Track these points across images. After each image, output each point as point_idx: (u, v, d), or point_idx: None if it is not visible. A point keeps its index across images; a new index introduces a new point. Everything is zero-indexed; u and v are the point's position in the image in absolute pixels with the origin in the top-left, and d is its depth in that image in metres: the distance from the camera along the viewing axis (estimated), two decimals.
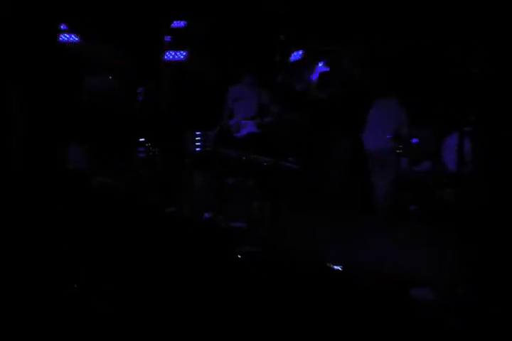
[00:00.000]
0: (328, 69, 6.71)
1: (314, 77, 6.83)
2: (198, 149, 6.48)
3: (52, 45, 6.59)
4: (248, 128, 6.28)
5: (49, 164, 7.61)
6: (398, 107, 6.78)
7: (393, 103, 6.85)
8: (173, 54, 6.61)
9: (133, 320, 4.55)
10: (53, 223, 5.54)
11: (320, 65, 6.71)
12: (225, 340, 3.83)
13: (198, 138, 6.50)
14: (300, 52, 6.66)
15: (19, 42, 6.61)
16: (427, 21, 7.17)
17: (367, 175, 6.33)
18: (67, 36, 6.26)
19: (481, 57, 6.65)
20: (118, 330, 4.41)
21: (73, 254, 5.36)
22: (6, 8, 8.58)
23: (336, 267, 4.50)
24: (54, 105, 6.81)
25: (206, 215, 5.85)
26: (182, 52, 6.57)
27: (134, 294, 4.82)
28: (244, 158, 6.10)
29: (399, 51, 7.65)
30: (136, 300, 4.84)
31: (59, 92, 6.79)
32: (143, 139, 6.58)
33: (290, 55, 6.57)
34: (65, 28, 6.28)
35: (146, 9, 6.59)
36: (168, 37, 6.62)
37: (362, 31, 7.89)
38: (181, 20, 6.49)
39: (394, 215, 6.11)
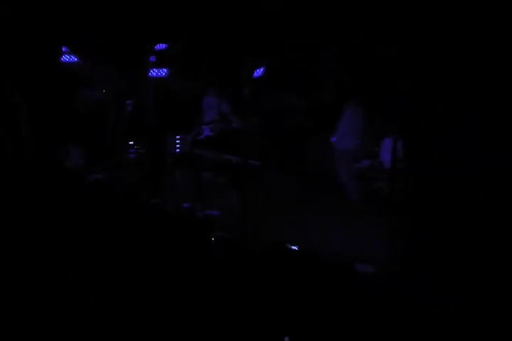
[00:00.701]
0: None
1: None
2: (177, 150, 7.63)
3: (54, 63, 7.59)
4: (205, 132, 7.36)
5: (49, 158, 8.00)
6: (361, 114, 7.51)
7: (358, 110, 7.57)
8: (156, 71, 7.74)
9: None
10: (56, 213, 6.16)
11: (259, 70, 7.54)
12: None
13: (178, 141, 7.64)
14: (262, 69, 7.61)
15: (28, 60, 7.52)
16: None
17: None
18: (69, 57, 7.59)
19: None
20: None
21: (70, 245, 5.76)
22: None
23: (293, 247, 5.24)
24: (54, 110, 7.76)
25: (185, 205, 6.68)
26: (163, 69, 7.70)
27: (126, 282, 5.07)
28: (215, 157, 7.12)
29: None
30: (128, 288, 4.92)
31: (59, 100, 7.71)
32: (132, 142, 7.76)
33: (254, 72, 7.60)
34: (67, 50, 7.71)
35: (134, 34, 7.72)
36: (152, 57, 7.82)
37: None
38: (163, 43, 7.79)
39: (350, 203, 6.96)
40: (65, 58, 7.67)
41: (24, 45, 8.99)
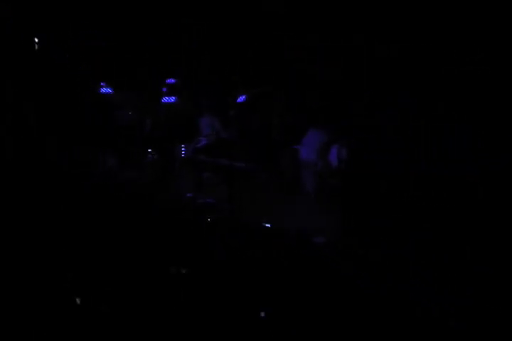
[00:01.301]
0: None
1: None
2: (183, 156, 10.37)
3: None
4: (202, 142, 10.06)
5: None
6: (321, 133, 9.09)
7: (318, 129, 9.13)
8: (167, 99, 10.73)
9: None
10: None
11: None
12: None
13: (183, 149, 10.41)
14: (244, 96, 10.11)
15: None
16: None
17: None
18: (105, 89, 10.40)
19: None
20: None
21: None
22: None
23: (267, 225, 7.27)
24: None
25: (189, 195, 9.31)
26: (172, 97, 10.66)
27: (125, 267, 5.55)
28: (211, 161, 9.82)
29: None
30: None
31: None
32: (150, 150, 10.84)
33: (238, 98, 10.17)
34: (104, 84, 10.38)
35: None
36: (164, 88, 10.66)
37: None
38: (173, 78, 10.61)
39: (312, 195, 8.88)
40: (104, 90, 10.40)
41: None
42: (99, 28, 9.33)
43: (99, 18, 9.16)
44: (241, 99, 10.19)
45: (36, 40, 9.13)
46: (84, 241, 6.22)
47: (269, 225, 7.38)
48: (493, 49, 6.63)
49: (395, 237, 6.65)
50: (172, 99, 10.63)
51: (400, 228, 6.78)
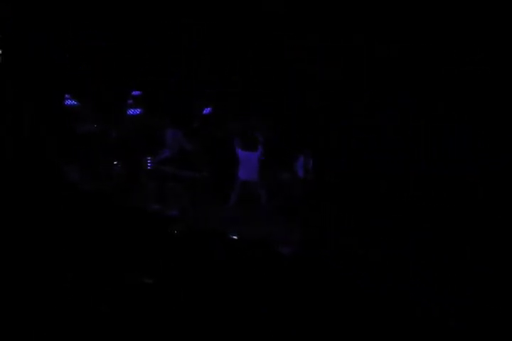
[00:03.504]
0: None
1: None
2: (148, 167, 10.44)
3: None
4: (166, 153, 10.30)
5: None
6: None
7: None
8: (132, 110, 10.79)
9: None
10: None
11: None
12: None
13: (149, 161, 10.45)
14: (209, 109, 10.48)
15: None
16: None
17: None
18: (71, 102, 10.34)
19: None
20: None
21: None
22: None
23: (233, 236, 7.14)
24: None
25: (154, 206, 9.32)
26: (137, 109, 10.72)
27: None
28: (175, 172, 10.07)
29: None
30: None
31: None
32: (115, 162, 10.62)
33: (203, 110, 10.52)
34: (69, 96, 10.28)
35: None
36: (130, 100, 10.72)
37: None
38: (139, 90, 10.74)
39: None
40: (68, 102, 10.30)
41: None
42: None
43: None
44: (206, 110, 10.45)
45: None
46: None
47: (235, 236, 7.43)
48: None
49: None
50: (137, 111, 10.73)
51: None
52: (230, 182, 9.52)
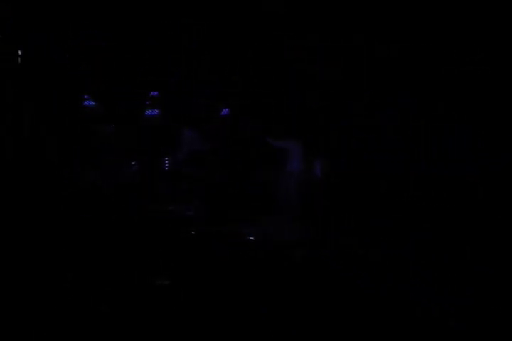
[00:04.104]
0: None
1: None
2: (166, 168, 10.48)
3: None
4: (184, 154, 10.28)
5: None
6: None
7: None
8: (150, 111, 10.68)
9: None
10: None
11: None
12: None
13: (166, 161, 10.54)
14: (226, 110, 10.29)
15: None
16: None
17: None
18: (88, 102, 10.35)
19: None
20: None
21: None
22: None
23: (250, 238, 7.48)
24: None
25: (170, 207, 9.18)
26: (155, 110, 10.58)
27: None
28: (191, 173, 10.01)
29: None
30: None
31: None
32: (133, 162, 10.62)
33: (220, 111, 10.30)
34: (87, 97, 10.31)
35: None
36: (148, 101, 10.62)
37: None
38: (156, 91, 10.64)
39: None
40: (87, 102, 10.34)
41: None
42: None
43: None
44: (224, 112, 10.38)
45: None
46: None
47: (252, 238, 7.58)
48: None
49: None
50: (155, 111, 10.71)
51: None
52: (244, 184, 9.52)
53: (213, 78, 9.76)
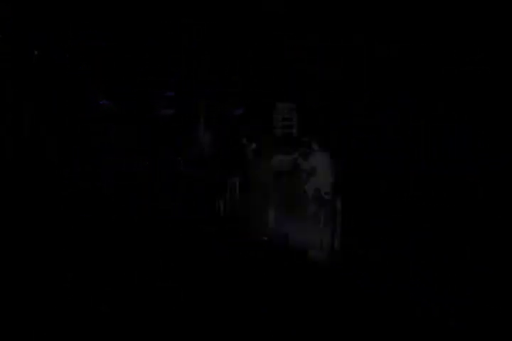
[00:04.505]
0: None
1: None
2: (180, 167, 10.36)
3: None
4: (195, 155, 10.19)
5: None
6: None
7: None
8: (165, 110, 10.72)
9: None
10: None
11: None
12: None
13: (180, 161, 10.50)
14: (241, 109, 10.20)
15: None
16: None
17: None
18: (105, 101, 10.53)
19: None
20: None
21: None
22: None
23: (265, 238, 7.57)
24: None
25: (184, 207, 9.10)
26: (171, 110, 10.67)
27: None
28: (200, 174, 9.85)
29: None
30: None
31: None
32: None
33: (235, 110, 10.17)
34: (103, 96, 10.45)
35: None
36: (164, 101, 10.66)
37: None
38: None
39: None
40: (103, 101, 10.58)
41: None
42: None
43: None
44: (239, 111, 10.31)
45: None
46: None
47: (266, 238, 7.60)
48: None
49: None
50: (170, 111, 10.83)
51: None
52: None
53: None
